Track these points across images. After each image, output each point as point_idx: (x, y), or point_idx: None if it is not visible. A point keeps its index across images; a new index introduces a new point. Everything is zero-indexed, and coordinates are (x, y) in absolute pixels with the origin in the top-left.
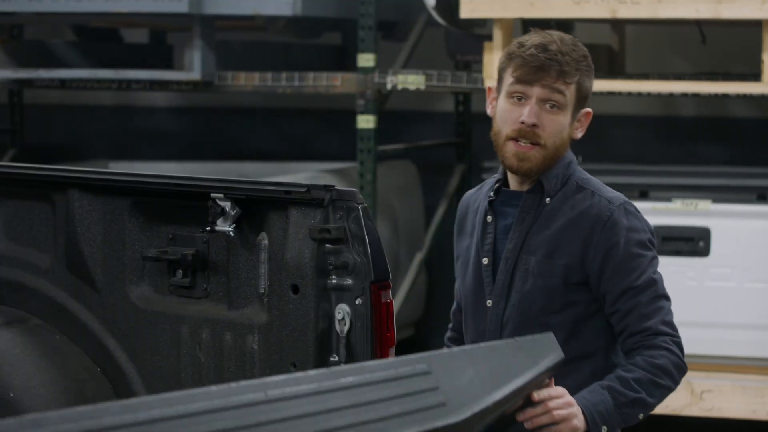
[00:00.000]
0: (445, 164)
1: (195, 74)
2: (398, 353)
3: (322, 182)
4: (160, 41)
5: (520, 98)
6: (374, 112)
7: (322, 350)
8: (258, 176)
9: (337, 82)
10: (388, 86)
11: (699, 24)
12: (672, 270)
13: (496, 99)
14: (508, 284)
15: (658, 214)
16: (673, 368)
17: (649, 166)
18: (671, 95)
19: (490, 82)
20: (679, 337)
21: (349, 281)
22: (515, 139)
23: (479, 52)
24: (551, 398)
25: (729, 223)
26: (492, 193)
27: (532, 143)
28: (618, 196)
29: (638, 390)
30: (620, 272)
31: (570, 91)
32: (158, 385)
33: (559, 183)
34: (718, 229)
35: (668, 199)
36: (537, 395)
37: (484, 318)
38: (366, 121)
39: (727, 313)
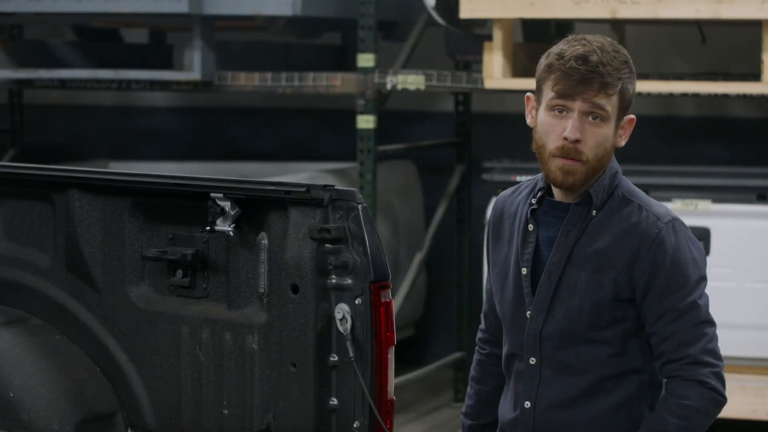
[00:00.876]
0: (445, 164)
1: (195, 74)
2: (398, 353)
3: (322, 182)
4: (160, 41)
5: (562, 111)
6: (374, 112)
7: (322, 350)
8: (258, 176)
9: (337, 82)
10: (388, 86)
11: (699, 24)
12: None
13: (536, 109)
14: (550, 297)
15: None
16: (709, 404)
17: (649, 166)
18: (671, 95)
19: (489, 82)
20: (719, 367)
21: (349, 281)
22: (560, 156)
23: (479, 52)
24: None
25: (729, 223)
26: (535, 201)
27: (574, 159)
28: (666, 212)
29: None
30: (663, 292)
31: (612, 102)
32: (158, 385)
33: (605, 194)
34: (718, 229)
35: (668, 199)
36: None
37: (523, 329)
38: (366, 121)
39: (727, 313)
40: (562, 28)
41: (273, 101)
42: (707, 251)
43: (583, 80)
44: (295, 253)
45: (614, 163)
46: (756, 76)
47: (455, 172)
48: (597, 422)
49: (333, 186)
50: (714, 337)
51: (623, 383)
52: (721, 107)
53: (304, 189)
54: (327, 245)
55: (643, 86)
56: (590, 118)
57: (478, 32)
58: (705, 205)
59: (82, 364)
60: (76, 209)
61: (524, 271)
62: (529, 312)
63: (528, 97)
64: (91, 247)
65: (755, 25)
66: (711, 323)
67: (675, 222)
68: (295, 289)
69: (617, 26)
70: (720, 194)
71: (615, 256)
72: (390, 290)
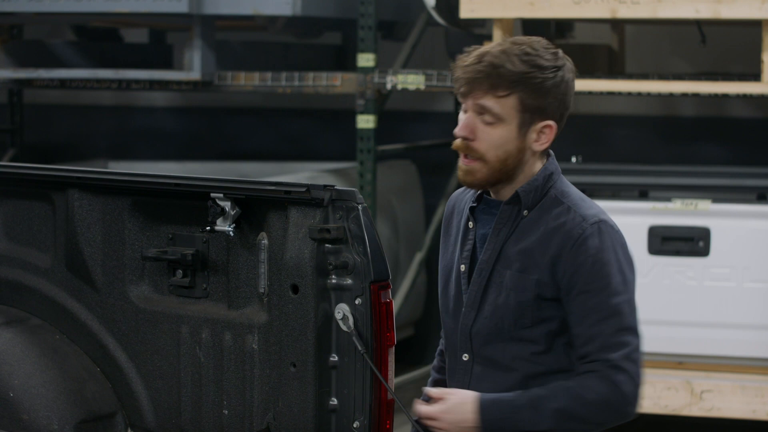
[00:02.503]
0: (444, 164)
1: (195, 74)
2: (398, 353)
3: (322, 182)
4: (160, 41)
5: (465, 110)
6: (374, 112)
7: (322, 350)
8: (258, 176)
9: (337, 82)
10: (388, 86)
11: (699, 24)
12: (672, 270)
13: None
14: (480, 295)
15: (658, 214)
16: (611, 409)
17: (649, 166)
18: (671, 95)
19: None
20: (638, 378)
21: (349, 281)
22: (460, 154)
23: None
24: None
25: (729, 223)
26: (474, 200)
27: (472, 157)
28: (595, 213)
29: (552, 420)
30: (585, 293)
31: (506, 104)
32: (158, 385)
33: (538, 195)
34: (717, 229)
35: (668, 199)
36: (416, 412)
37: (458, 326)
38: (366, 121)
39: (727, 313)
40: (562, 28)
41: (273, 101)
42: (707, 251)
43: (472, 80)
44: (295, 253)
45: (551, 165)
46: (756, 76)
47: (455, 172)
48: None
49: (333, 186)
50: (637, 348)
51: (549, 381)
52: (721, 107)
53: (304, 189)
54: (327, 245)
55: (643, 86)
56: (483, 117)
57: (478, 32)
58: (705, 205)
59: (81, 364)
60: (76, 209)
61: (462, 268)
62: (463, 309)
63: None
64: (91, 247)
65: (755, 25)
66: (635, 331)
67: (602, 224)
68: (295, 289)
69: (617, 26)
70: (720, 194)
71: (539, 256)
72: (390, 290)
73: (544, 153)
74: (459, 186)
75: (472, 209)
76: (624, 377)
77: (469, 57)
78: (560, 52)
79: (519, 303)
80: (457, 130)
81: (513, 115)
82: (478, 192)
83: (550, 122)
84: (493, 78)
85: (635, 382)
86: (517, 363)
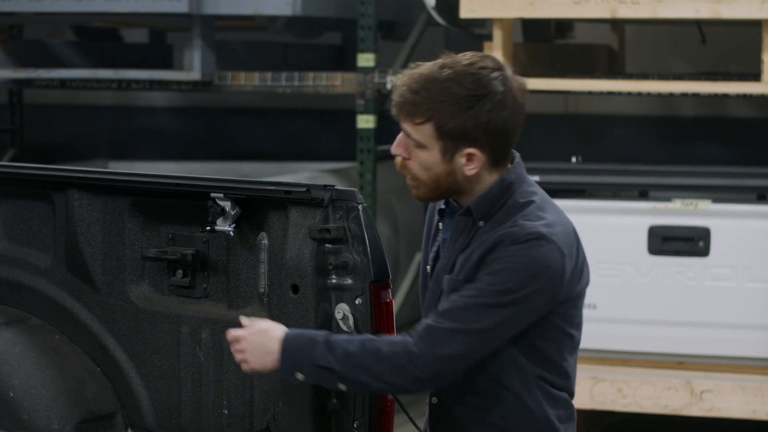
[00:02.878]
0: None
1: (195, 74)
2: None
3: (322, 182)
4: (160, 41)
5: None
6: (374, 112)
7: None
8: (258, 176)
9: (337, 82)
10: (388, 86)
11: (699, 24)
12: (672, 270)
13: None
14: (435, 301)
15: (658, 214)
16: (391, 366)
17: (649, 166)
18: (671, 95)
19: None
20: (436, 355)
21: (349, 281)
22: None
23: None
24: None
25: (729, 223)
26: (443, 203)
27: (409, 175)
28: (535, 228)
29: (339, 362)
30: (471, 283)
31: (424, 131)
32: (158, 384)
33: (495, 206)
34: (717, 229)
35: (668, 199)
36: (229, 334)
37: None
38: (366, 121)
39: (727, 313)
40: (562, 27)
41: (273, 101)
42: (707, 251)
43: (396, 104)
44: (296, 253)
45: (510, 174)
46: (756, 76)
47: None
48: (494, 416)
49: (333, 186)
50: (452, 339)
51: (509, 375)
52: (721, 107)
53: (304, 189)
54: (327, 245)
55: (643, 86)
56: (410, 140)
57: (478, 32)
58: (705, 205)
59: (81, 364)
60: (76, 209)
61: (428, 268)
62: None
63: None
64: (91, 247)
65: (755, 25)
66: (467, 335)
67: (537, 239)
68: (295, 289)
69: (617, 26)
70: (720, 194)
71: (473, 259)
72: (390, 290)
73: (502, 163)
74: None
75: (441, 211)
76: (422, 348)
77: (401, 79)
78: (491, 75)
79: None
80: (392, 148)
81: (432, 142)
82: None
83: (473, 150)
84: (409, 106)
85: (430, 359)
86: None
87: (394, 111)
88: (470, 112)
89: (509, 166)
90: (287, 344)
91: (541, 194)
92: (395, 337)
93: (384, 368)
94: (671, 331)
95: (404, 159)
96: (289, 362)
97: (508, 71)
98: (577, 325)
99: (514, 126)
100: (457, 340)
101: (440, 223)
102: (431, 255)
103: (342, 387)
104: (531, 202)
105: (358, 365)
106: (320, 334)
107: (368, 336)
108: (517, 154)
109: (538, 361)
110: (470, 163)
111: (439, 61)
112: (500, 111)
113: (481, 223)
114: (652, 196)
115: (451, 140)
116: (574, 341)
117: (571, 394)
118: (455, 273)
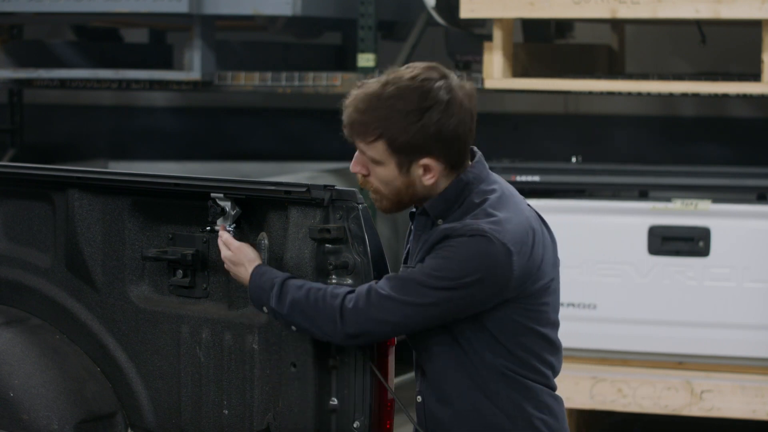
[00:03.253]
0: None
1: (195, 74)
2: (398, 353)
3: (322, 182)
4: (160, 41)
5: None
6: None
7: (322, 350)
8: (258, 176)
9: (337, 82)
10: None
11: (699, 24)
12: (672, 270)
13: None
14: None
15: (658, 214)
16: (323, 315)
17: (649, 166)
18: (671, 95)
19: (489, 82)
20: (362, 315)
21: (349, 281)
22: None
23: (479, 52)
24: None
25: (729, 223)
26: (414, 206)
27: (372, 190)
28: (477, 228)
29: (285, 306)
30: (414, 267)
31: (377, 148)
32: (158, 384)
33: (453, 205)
34: (718, 229)
35: (668, 199)
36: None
37: None
38: None
39: (727, 313)
40: (562, 27)
41: (273, 101)
42: (707, 251)
43: (346, 125)
44: (296, 253)
45: (467, 175)
46: (756, 76)
47: None
48: (473, 413)
49: (333, 186)
50: (386, 322)
51: (478, 371)
52: (721, 107)
53: (304, 189)
54: (327, 245)
55: (643, 86)
56: (365, 158)
57: (478, 32)
58: (705, 205)
59: (81, 364)
60: (76, 209)
61: (402, 268)
62: None
63: None
64: (91, 247)
65: (755, 25)
66: (404, 307)
67: (477, 236)
68: None
69: (617, 26)
70: (720, 194)
71: (422, 252)
72: None
73: (460, 167)
74: None
75: (411, 214)
76: (357, 307)
77: (348, 99)
78: (435, 86)
79: None
80: (351, 167)
81: (387, 157)
82: None
83: (428, 161)
84: (358, 126)
85: (361, 319)
86: (441, 361)
87: (345, 132)
88: (418, 125)
89: (469, 164)
90: (253, 280)
91: (501, 191)
92: (339, 290)
93: (321, 319)
94: (671, 331)
95: (364, 176)
96: (254, 298)
97: (454, 79)
98: (548, 322)
99: (464, 131)
100: (389, 306)
101: (411, 224)
102: (404, 256)
103: (292, 329)
104: (485, 200)
105: (301, 312)
106: (280, 276)
107: (318, 285)
108: (478, 153)
109: (504, 357)
110: (427, 173)
111: (383, 77)
112: (448, 119)
113: (439, 222)
114: (652, 196)
115: (405, 154)
116: (545, 337)
117: (551, 388)
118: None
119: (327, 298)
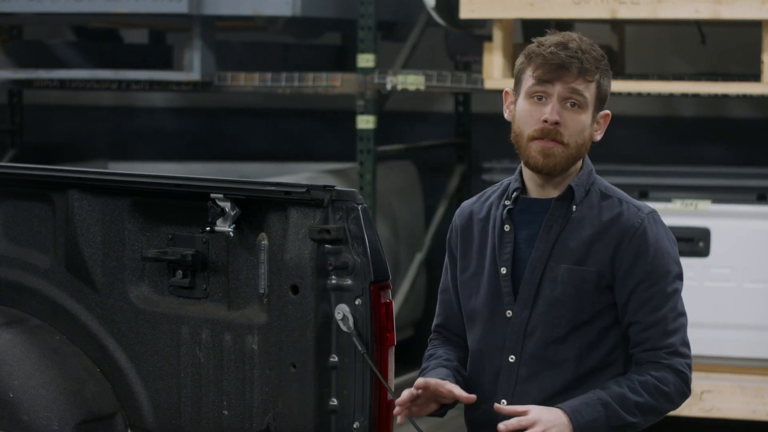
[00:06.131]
0: (444, 165)
1: (195, 74)
2: (398, 354)
3: (321, 182)
4: (159, 41)
5: (541, 98)
6: (374, 113)
7: (322, 350)
8: (258, 176)
9: (337, 82)
10: (388, 86)
11: (699, 24)
12: None
13: (514, 103)
14: (534, 293)
15: None
16: (678, 396)
17: (649, 166)
18: (671, 95)
19: (489, 82)
20: (691, 358)
21: (349, 281)
22: (539, 138)
23: (479, 53)
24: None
25: (729, 224)
26: (509, 202)
27: (555, 140)
28: (645, 205)
29: (636, 414)
30: (645, 282)
31: (590, 90)
32: (158, 385)
33: (583, 191)
34: (717, 230)
35: (668, 200)
36: (504, 426)
37: (503, 329)
38: (366, 122)
39: (727, 314)
40: (562, 28)
41: (273, 101)
42: (707, 251)
43: (562, 65)
44: (295, 253)
45: (589, 162)
46: (756, 76)
47: (455, 172)
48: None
49: (333, 186)
50: (686, 330)
51: (599, 377)
52: (721, 107)
53: (304, 189)
54: (327, 246)
55: (643, 86)
56: (568, 104)
57: (477, 32)
58: (705, 205)
59: (81, 364)
60: (76, 209)
61: (503, 270)
62: (509, 311)
63: (506, 92)
64: (91, 247)
65: (755, 25)
66: (685, 316)
67: (654, 214)
68: (295, 289)
69: (617, 26)
70: (720, 194)
71: (598, 248)
72: (390, 291)
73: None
74: (461, 184)
75: (509, 211)
76: (684, 362)
77: (548, 44)
78: None
79: (576, 296)
80: (548, 115)
81: (592, 102)
82: (515, 194)
83: (608, 112)
84: (584, 62)
85: (690, 363)
86: (569, 360)
87: (552, 74)
88: (610, 78)
89: None
90: (576, 424)
91: None
92: (659, 371)
93: (669, 400)
94: None
95: (556, 124)
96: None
97: None
98: None
99: None
100: (683, 327)
101: (506, 226)
102: (504, 257)
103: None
104: (612, 186)
105: (652, 410)
106: (590, 399)
107: (633, 378)
108: None
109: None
110: (599, 127)
111: (564, 32)
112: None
113: (574, 208)
114: (652, 196)
115: (600, 102)
116: None
117: None
118: (571, 261)
119: (664, 385)
